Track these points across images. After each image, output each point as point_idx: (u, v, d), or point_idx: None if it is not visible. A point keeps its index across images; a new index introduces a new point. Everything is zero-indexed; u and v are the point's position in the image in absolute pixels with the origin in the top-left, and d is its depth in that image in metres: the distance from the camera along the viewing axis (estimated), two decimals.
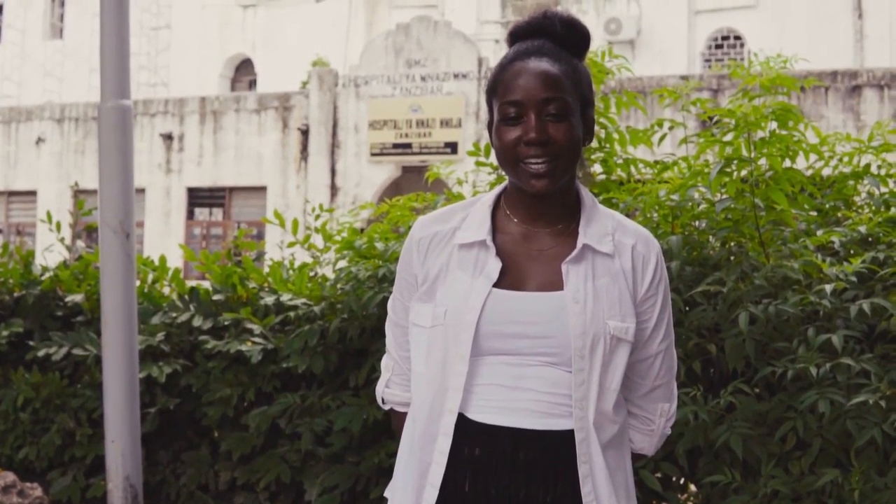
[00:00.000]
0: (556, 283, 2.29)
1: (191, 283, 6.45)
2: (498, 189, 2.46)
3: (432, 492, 2.30)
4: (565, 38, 2.33)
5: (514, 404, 2.28)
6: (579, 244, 2.30)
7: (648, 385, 2.45)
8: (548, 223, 2.35)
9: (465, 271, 2.33)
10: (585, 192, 2.40)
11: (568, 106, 2.25)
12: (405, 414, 2.51)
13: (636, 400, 2.47)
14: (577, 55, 2.35)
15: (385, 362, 2.61)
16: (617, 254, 2.33)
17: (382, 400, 2.62)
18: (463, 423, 2.30)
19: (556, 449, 2.27)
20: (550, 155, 2.23)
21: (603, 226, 2.35)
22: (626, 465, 2.40)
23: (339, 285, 5.49)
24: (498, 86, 2.31)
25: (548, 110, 2.24)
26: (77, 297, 6.34)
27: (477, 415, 2.29)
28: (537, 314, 2.27)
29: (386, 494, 2.50)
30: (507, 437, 2.27)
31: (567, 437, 2.27)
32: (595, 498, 2.26)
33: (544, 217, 2.35)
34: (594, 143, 5.01)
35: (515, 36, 2.38)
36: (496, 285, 2.29)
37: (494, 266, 2.30)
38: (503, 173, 5.17)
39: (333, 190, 28.65)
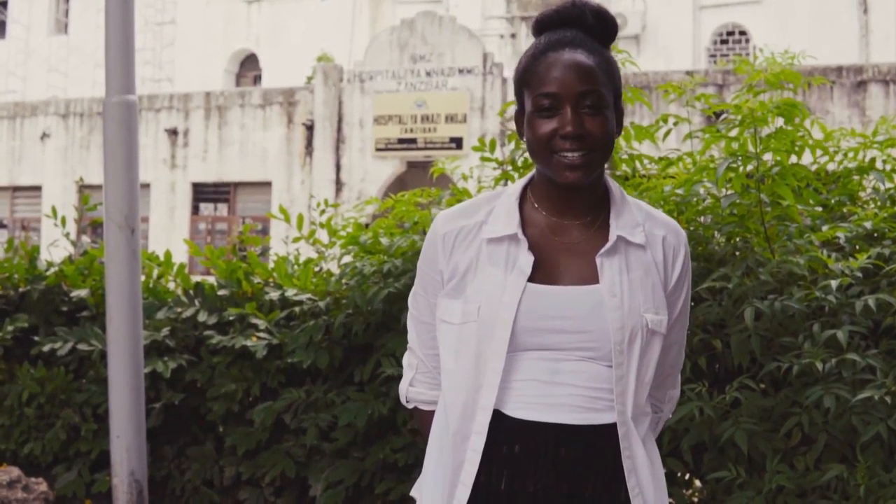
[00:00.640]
0: (590, 277, 2.26)
1: (196, 278, 6.46)
2: (523, 181, 2.42)
3: (464, 491, 2.27)
4: (595, 28, 2.31)
5: (553, 399, 2.24)
6: (613, 236, 2.28)
7: (663, 373, 2.44)
8: (576, 215, 2.32)
9: (496, 266, 2.29)
10: (613, 184, 2.37)
11: (603, 99, 2.23)
12: (430, 413, 2.48)
13: (651, 389, 2.43)
14: (606, 45, 2.34)
15: (408, 360, 2.55)
16: (648, 245, 2.31)
17: (406, 399, 2.57)
18: (500, 420, 2.26)
19: (598, 444, 2.25)
20: (587, 148, 2.21)
21: (633, 217, 2.32)
22: (657, 455, 2.38)
23: (343, 280, 5.49)
24: (531, 76, 2.27)
25: (584, 103, 2.21)
26: (82, 293, 6.34)
27: (515, 411, 2.26)
28: (575, 309, 2.24)
29: (413, 494, 2.47)
30: (548, 433, 2.23)
31: (607, 432, 2.25)
32: (640, 491, 2.25)
33: (573, 209, 2.32)
34: None
35: (543, 24, 2.34)
36: (530, 280, 2.26)
37: (527, 260, 2.27)
38: (508, 169, 5.19)
39: (338, 185, 28.64)
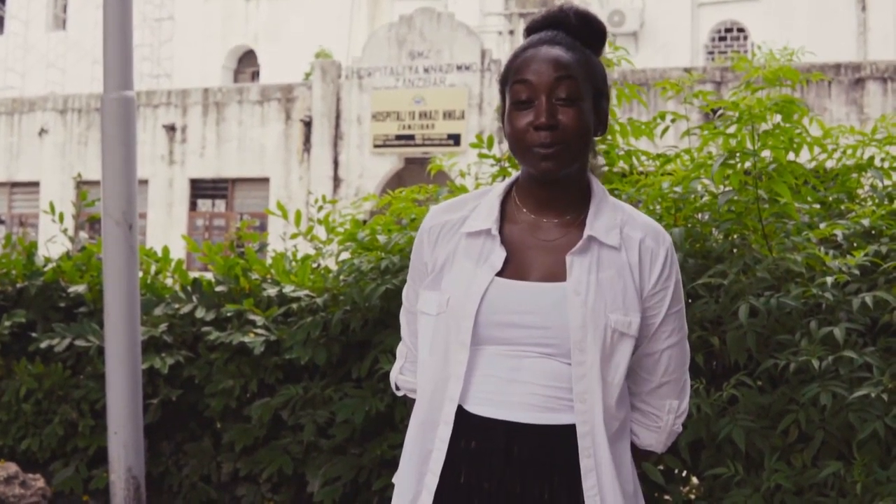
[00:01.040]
0: (559, 274, 2.28)
1: (193, 274, 6.46)
2: (510, 179, 2.46)
3: (433, 478, 2.31)
4: (580, 30, 2.34)
5: (509, 398, 2.27)
6: (585, 235, 2.29)
7: (656, 381, 2.43)
8: (557, 213, 2.35)
9: (469, 260, 2.33)
10: (596, 184, 2.39)
11: (578, 90, 2.25)
12: None
13: (643, 396, 2.46)
14: (591, 48, 2.36)
15: (399, 349, 2.63)
16: (624, 247, 2.32)
17: (396, 386, 2.63)
18: (461, 414, 2.30)
19: (554, 444, 2.26)
20: (558, 139, 2.23)
21: (611, 218, 2.33)
22: (629, 459, 2.38)
23: (341, 277, 5.49)
24: (511, 73, 2.32)
25: (557, 94, 2.24)
26: (80, 288, 6.34)
27: (474, 407, 2.30)
28: (537, 304, 2.26)
29: (394, 480, 2.51)
30: (502, 431, 2.26)
31: (565, 432, 2.26)
32: (598, 492, 2.25)
33: (554, 207, 2.34)
34: None
35: (532, 30, 2.39)
36: (500, 274, 2.29)
37: (499, 255, 2.30)
38: (506, 165, 5.19)
39: (336, 181, 28.63)
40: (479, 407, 2.29)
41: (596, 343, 2.24)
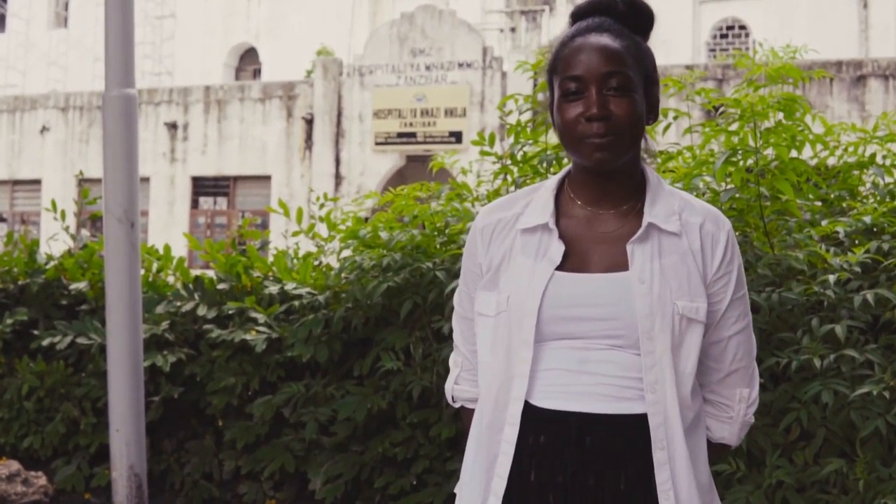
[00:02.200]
0: (621, 265, 2.23)
1: (195, 272, 6.46)
2: (562, 173, 2.41)
3: (500, 483, 2.24)
4: (627, 15, 2.30)
5: (579, 388, 2.21)
6: (644, 223, 2.25)
7: (725, 369, 2.37)
8: (613, 204, 2.30)
9: (527, 256, 2.28)
10: (651, 172, 2.35)
11: (629, 80, 2.22)
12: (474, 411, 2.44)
13: (713, 385, 2.39)
14: (639, 33, 2.33)
15: (454, 359, 2.54)
16: (684, 233, 2.27)
17: (452, 398, 2.54)
18: (528, 410, 2.24)
19: (627, 433, 2.20)
20: (612, 130, 2.19)
21: (669, 205, 2.29)
22: (704, 451, 2.32)
23: (343, 274, 5.49)
24: (558, 62, 2.27)
25: (609, 85, 2.20)
26: (81, 286, 6.34)
27: (541, 401, 2.23)
28: (601, 296, 2.21)
29: (456, 490, 2.44)
30: (573, 423, 2.20)
31: (639, 422, 2.20)
32: (672, 486, 2.19)
33: (609, 198, 2.30)
34: None
35: (577, 16, 2.34)
36: (559, 268, 2.24)
37: (557, 249, 2.25)
38: (508, 163, 5.19)
39: (338, 179, 28.62)
40: (547, 400, 2.23)
41: (665, 331, 2.19)
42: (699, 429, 2.32)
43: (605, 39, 2.23)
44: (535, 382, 2.24)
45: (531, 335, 2.22)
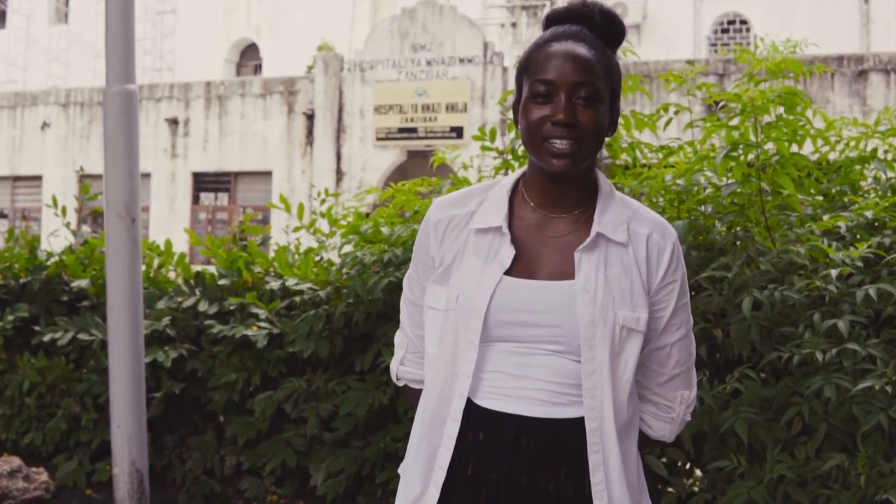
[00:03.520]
0: (568, 272, 2.29)
1: (196, 267, 6.46)
2: (517, 173, 2.45)
3: (440, 473, 2.32)
4: (602, 27, 2.34)
5: (518, 392, 2.29)
6: (593, 232, 2.29)
7: (667, 373, 2.45)
8: (564, 209, 2.35)
9: (478, 257, 2.33)
10: (603, 180, 2.40)
11: (598, 92, 2.26)
12: (419, 391, 2.53)
13: (655, 388, 2.47)
14: (610, 46, 2.37)
15: (399, 339, 2.62)
16: (631, 243, 2.32)
17: (397, 377, 2.63)
18: (470, 408, 2.31)
19: (561, 437, 2.28)
20: (576, 138, 2.23)
21: (618, 214, 2.34)
22: (635, 454, 2.40)
23: (344, 270, 5.49)
24: (532, 63, 2.31)
25: (579, 94, 2.24)
26: (82, 282, 6.35)
27: (483, 401, 2.31)
28: (546, 303, 2.27)
29: (400, 471, 2.52)
30: (510, 424, 2.28)
31: (573, 426, 2.27)
32: (606, 487, 2.27)
33: (561, 202, 2.35)
34: None
35: (552, 20, 2.38)
36: (508, 272, 2.30)
37: (508, 253, 2.31)
38: (509, 158, 5.19)
39: (339, 174, 28.63)
40: (488, 400, 2.31)
41: (605, 340, 2.25)
42: (632, 432, 2.40)
43: (580, 49, 2.28)
44: (479, 382, 2.32)
45: (477, 336, 2.29)
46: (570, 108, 2.23)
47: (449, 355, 2.34)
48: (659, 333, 2.38)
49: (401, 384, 2.64)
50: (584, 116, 2.24)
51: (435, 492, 2.33)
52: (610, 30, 2.36)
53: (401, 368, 2.61)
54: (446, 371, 2.34)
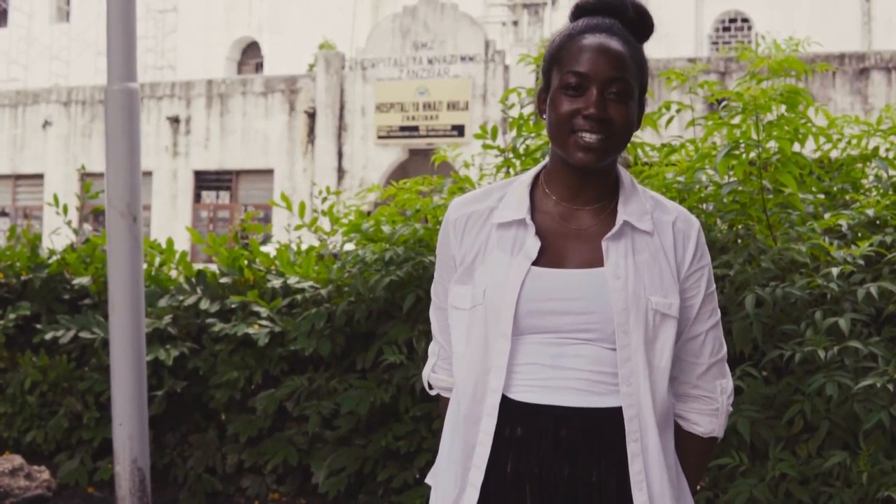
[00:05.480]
0: (596, 261, 2.27)
1: (198, 266, 6.46)
2: (536, 168, 2.44)
3: (478, 474, 2.29)
4: (634, 22, 2.34)
5: (554, 383, 2.26)
6: (619, 221, 2.29)
7: (704, 363, 2.41)
8: (587, 202, 2.34)
9: (503, 251, 2.31)
10: (624, 173, 2.39)
11: (630, 88, 2.25)
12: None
13: (695, 381, 2.42)
14: (640, 41, 2.36)
15: (431, 348, 2.60)
16: (657, 231, 2.32)
17: (429, 385, 2.61)
18: (505, 403, 2.28)
19: (600, 427, 2.25)
20: (606, 132, 2.22)
21: (641, 205, 2.33)
22: (673, 447, 2.36)
23: (346, 268, 5.49)
24: (564, 54, 2.29)
25: (610, 89, 2.23)
26: (84, 281, 6.34)
27: (518, 394, 2.27)
28: (577, 291, 2.25)
29: (428, 481, 2.48)
30: (549, 416, 2.25)
31: (613, 415, 2.25)
32: (645, 477, 2.24)
33: (584, 195, 2.34)
34: None
35: (583, 10, 2.36)
36: (535, 263, 2.27)
37: (533, 244, 2.29)
38: (510, 156, 5.18)
39: (340, 173, 28.65)
40: (524, 394, 2.27)
41: (639, 326, 2.24)
42: (669, 425, 2.37)
43: (614, 43, 2.26)
44: (512, 376, 2.29)
45: (509, 328, 2.26)
46: (602, 103, 2.22)
47: (479, 351, 2.30)
48: (692, 322, 2.36)
49: (433, 393, 2.62)
50: (615, 112, 2.23)
51: (473, 494, 2.29)
52: (641, 25, 2.35)
53: (432, 376, 2.59)
54: (478, 367, 2.31)
